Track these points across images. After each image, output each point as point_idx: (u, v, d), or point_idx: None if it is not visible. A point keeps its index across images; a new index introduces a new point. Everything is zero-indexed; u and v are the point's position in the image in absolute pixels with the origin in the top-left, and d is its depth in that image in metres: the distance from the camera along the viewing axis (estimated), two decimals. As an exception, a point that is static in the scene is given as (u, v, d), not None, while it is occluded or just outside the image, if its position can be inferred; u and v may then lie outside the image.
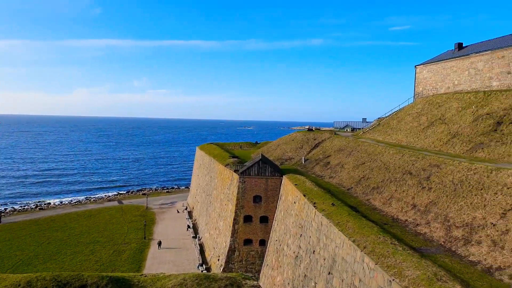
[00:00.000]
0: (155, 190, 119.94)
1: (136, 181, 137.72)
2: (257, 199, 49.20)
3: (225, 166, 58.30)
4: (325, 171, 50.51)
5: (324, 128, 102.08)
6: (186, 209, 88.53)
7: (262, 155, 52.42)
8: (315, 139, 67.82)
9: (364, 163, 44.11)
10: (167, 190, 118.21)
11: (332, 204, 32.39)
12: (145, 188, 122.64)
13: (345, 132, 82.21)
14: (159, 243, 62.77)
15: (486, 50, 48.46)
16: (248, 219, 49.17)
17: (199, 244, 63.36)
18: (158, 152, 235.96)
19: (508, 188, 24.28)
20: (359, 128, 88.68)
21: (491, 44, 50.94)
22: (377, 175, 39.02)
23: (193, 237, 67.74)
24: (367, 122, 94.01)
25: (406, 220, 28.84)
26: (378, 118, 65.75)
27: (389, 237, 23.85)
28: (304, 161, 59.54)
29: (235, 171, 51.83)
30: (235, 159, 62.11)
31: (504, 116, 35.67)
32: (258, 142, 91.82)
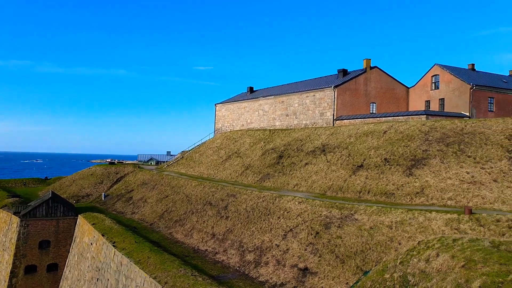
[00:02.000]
0: None
1: None
2: (44, 244, 42.22)
3: (1, 208, 48.26)
4: (127, 207, 47.99)
5: (127, 161, 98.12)
6: None
7: (52, 192, 45.86)
8: (117, 173, 64.08)
9: (167, 196, 44.05)
10: None
11: (135, 241, 30.67)
12: None
13: (149, 165, 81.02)
14: None
15: (270, 95, 56.91)
16: (31, 269, 41.43)
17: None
18: None
19: (287, 212, 28.29)
20: (164, 161, 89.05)
21: (274, 90, 60.29)
22: (180, 207, 39.49)
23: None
24: (171, 155, 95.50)
25: (206, 249, 29.83)
26: (182, 151, 67.68)
27: (190, 269, 24.02)
28: (105, 197, 55.21)
29: (15, 213, 43.44)
30: (16, 198, 52.29)
31: (284, 151, 42.12)
32: (49, 178, 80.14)
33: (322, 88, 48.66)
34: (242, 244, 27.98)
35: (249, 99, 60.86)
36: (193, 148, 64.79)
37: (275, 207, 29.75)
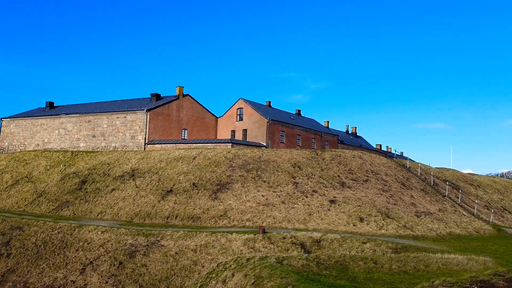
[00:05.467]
0: None
1: None
2: None
3: None
4: None
5: None
6: None
7: None
8: None
9: None
10: None
11: None
12: None
13: None
14: None
15: (75, 113, 51.76)
16: None
17: None
18: None
19: (88, 244, 25.68)
20: None
21: (80, 108, 55.12)
22: None
23: None
24: None
25: (-24, 298, 24.03)
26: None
27: None
28: None
29: None
30: None
31: (88, 175, 38.57)
32: None
33: (134, 110, 47.32)
34: (27, 285, 23.71)
35: (48, 115, 53.78)
36: (-34, 171, 52.25)
37: (73, 239, 26.57)
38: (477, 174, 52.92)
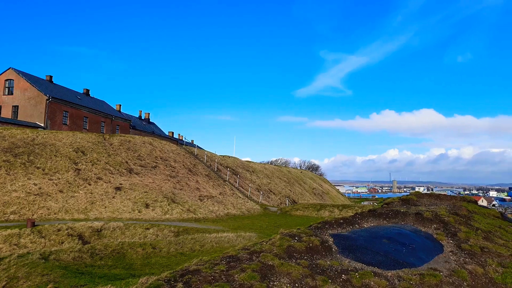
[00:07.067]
0: None
1: None
2: None
3: None
4: None
5: None
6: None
7: None
8: None
9: None
10: None
11: None
12: None
13: None
14: None
15: None
16: None
17: None
18: None
19: None
20: None
21: None
22: None
23: None
24: None
25: None
26: None
27: None
28: None
29: None
30: None
31: None
32: None
33: None
34: None
35: None
36: None
37: None
38: (253, 162, 60.94)
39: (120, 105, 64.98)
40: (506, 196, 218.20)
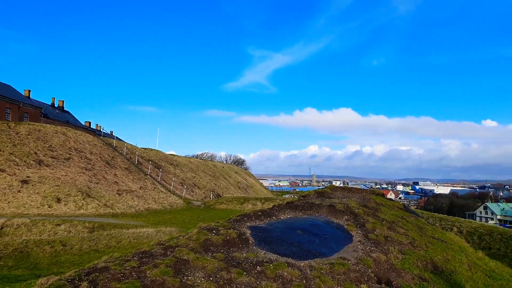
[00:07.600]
0: None
1: None
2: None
3: None
4: None
5: None
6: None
7: None
8: None
9: None
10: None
11: None
12: None
13: None
14: None
15: None
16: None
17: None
18: None
19: None
20: None
21: None
22: None
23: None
24: None
25: None
26: None
27: None
28: None
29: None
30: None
31: None
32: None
33: None
34: None
35: None
36: None
37: None
38: (177, 155, 59.62)
39: (29, 91, 59.15)
40: (410, 189, 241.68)
